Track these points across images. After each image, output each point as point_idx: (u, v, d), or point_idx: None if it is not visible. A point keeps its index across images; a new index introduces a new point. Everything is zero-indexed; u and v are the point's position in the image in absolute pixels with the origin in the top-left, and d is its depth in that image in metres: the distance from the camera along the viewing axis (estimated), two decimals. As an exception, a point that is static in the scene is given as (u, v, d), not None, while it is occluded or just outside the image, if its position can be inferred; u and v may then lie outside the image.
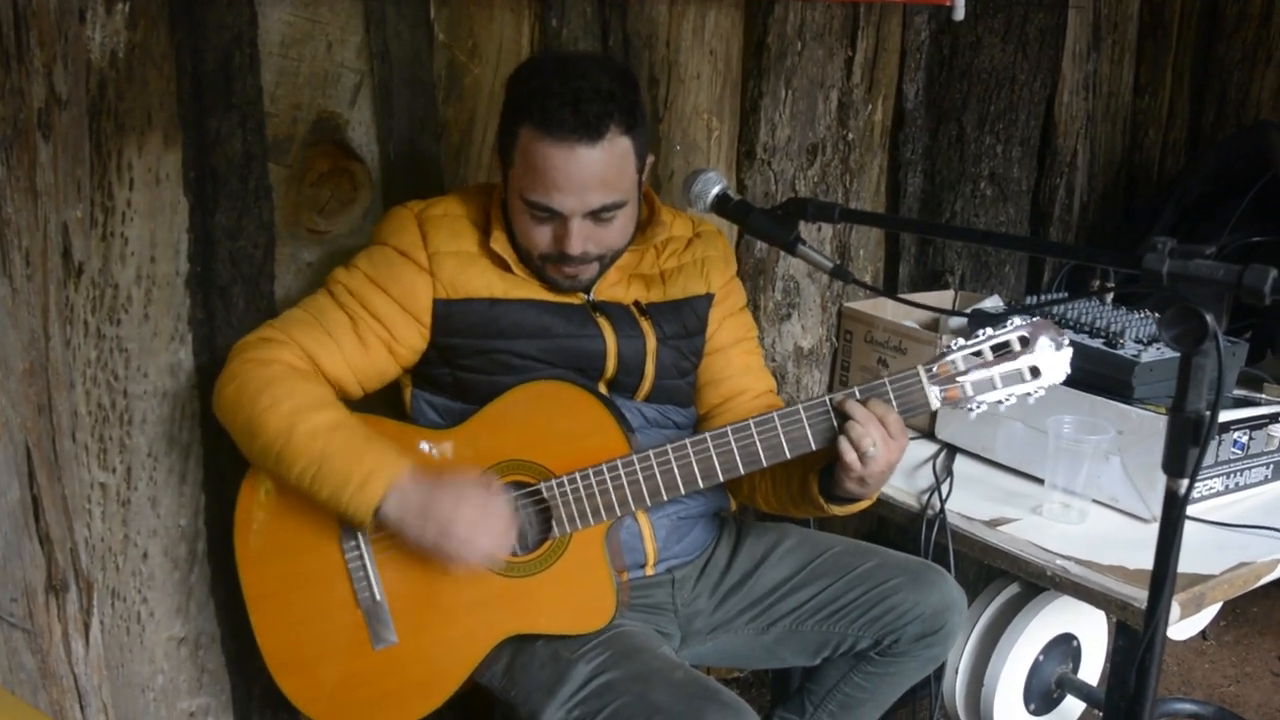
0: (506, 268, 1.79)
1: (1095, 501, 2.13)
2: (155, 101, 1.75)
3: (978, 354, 1.68)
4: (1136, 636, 1.81)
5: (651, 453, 1.70)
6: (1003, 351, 1.67)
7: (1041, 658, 2.40)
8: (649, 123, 1.84)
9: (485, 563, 1.67)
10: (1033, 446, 2.21)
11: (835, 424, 1.68)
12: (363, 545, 1.72)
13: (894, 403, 1.68)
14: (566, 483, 1.71)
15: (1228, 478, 2.15)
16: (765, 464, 1.71)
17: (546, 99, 1.64)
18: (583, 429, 1.73)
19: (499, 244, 1.77)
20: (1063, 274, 2.96)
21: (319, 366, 1.73)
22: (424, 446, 1.76)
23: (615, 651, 1.70)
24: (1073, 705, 2.52)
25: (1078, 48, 3.14)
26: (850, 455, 1.64)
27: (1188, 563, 1.87)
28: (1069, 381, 1.70)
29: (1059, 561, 1.93)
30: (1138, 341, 2.20)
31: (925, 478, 2.27)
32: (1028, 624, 2.34)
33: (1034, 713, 2.44)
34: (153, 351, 1.85)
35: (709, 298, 1.94)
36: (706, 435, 1.70)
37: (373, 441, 1.65)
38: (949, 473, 2.29)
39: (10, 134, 1.63)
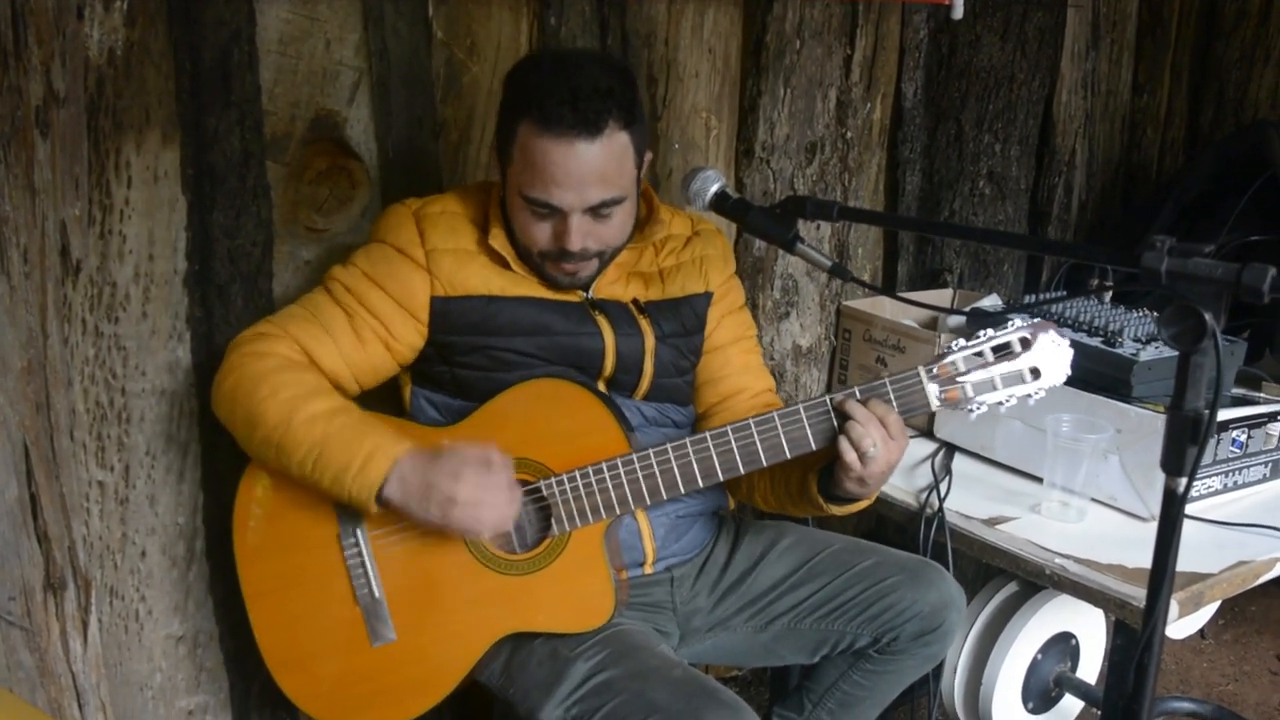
0: (505, 265, 1.79)
1: (1094, 500, 2.13)
2: (153, 99, 1.75)
3: (978, 354, 1.68)
4: (1135, 635, 1.81)
5: (651, 452, 1.70)
6: (1003, 352, 1.67)
7: (1040, 656, 2.40)
8: (647, 121, 1.83)
9: (492, 533, 1.67)
10: (1031, 445, 2.21)
11: (835, 424, 1.68)
12: (362, 542, 1.72)
13: (894, 403, 1.68)
14: (566, 481, 1.71)
15: (1226, 476, 2.15)
16: (765, 463, 1.70)
17: (545, 95, 1.64)
18: (582, 427, 1.73)
19: (497, 241, 1.77)
20: (1061, 272, 2.95)
21: (316, 362, 1.73)
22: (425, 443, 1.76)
23: (614, 650, 1.70)
24: (1071, 704, 2.52)
25: (1076, 46, 3.14)
26: (850, 455, 1.64)
27: (1186, 561, 1.87)
28: (1068, 380, 1.70)
29: (1057, 560, 1.93)
30: (1136, 340, 2.20)
31: (924, 476, 2.27)
32: (1026, 622, 2.34)
33: (1032, 711, 2.44)
34: (151, 350, 1.85)
35: (708, 296, 1.94)
36: (706, 434, 1.70)
37: (372, 425, 1.65)
38: (948, 471, 2.29)
39: (8, 132, 1.63)
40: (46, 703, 1.83)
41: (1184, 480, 1.31)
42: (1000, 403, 1.69)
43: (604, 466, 1.70)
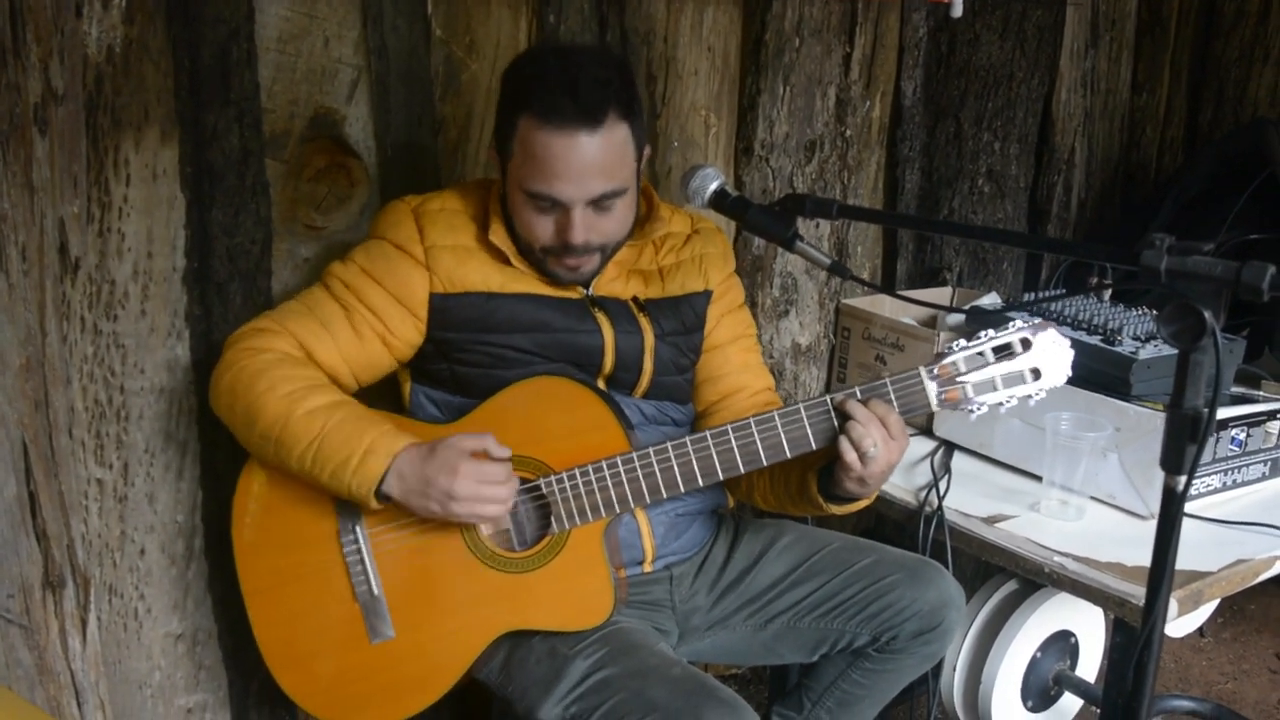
0: (504, 261, 1.78)
1: (1093, 498, 2.13)
2: (152, 97, 1.75)
3: (979, 355, 1.68)
4: (1134, 633, 1.81)
5: (651, 450, 1.70)
6: (1004, 353, 1.67)
7: (1039, 654, 2.41)
8: (646, 119, 1.83)
9: (492, 525, 1.68)
10: (1031, 443, 2.21)
11: (836, 424, 1.68)
12: (361, 539, 1.71)
13: (895, 403, 1.68)
14: (566, 479, 1.71)
15: (1225, 475, 2.15)
16: (765, 463, 1.70)
17: (545, 88, 1.64)
18: (582, 425, 1.73)
19: (497, 236, 1.77)
20: (1060, 271, 2.95)
21: (313, 357, 1.73)
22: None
23: (613, 648, 1.70)
24: (1070, 702, 2.52)
25: (1076, 45, 3.14)
26: (850, 455, 1.64)
27: (1185, 560, 1.87)
28: (1067, 379, 1.70)
29: (1057, 558, 1.93)
30: (1135, 338, 2.20)
31: (923, 474, 2.27)
32: (1025, 621, 2.35)
33: (1031, 709, 2.44)
34: (150, 347, 1.85)
35: (707, 294, 1.94)
36: (707, 433, 1.70)
37: (371, 419, 1.65)
38: (947, 469, 2.29)
39: (7, 129, 1.63)
40: (45, 701, 1.83)
41: (1183, 478, 1.31)
42: (1001, 403, 1.69)
43: (604, 465, 1.70)
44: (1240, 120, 3.40)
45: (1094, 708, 2.52)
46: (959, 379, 1.68)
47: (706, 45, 2.37)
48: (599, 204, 1.70)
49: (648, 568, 1.87)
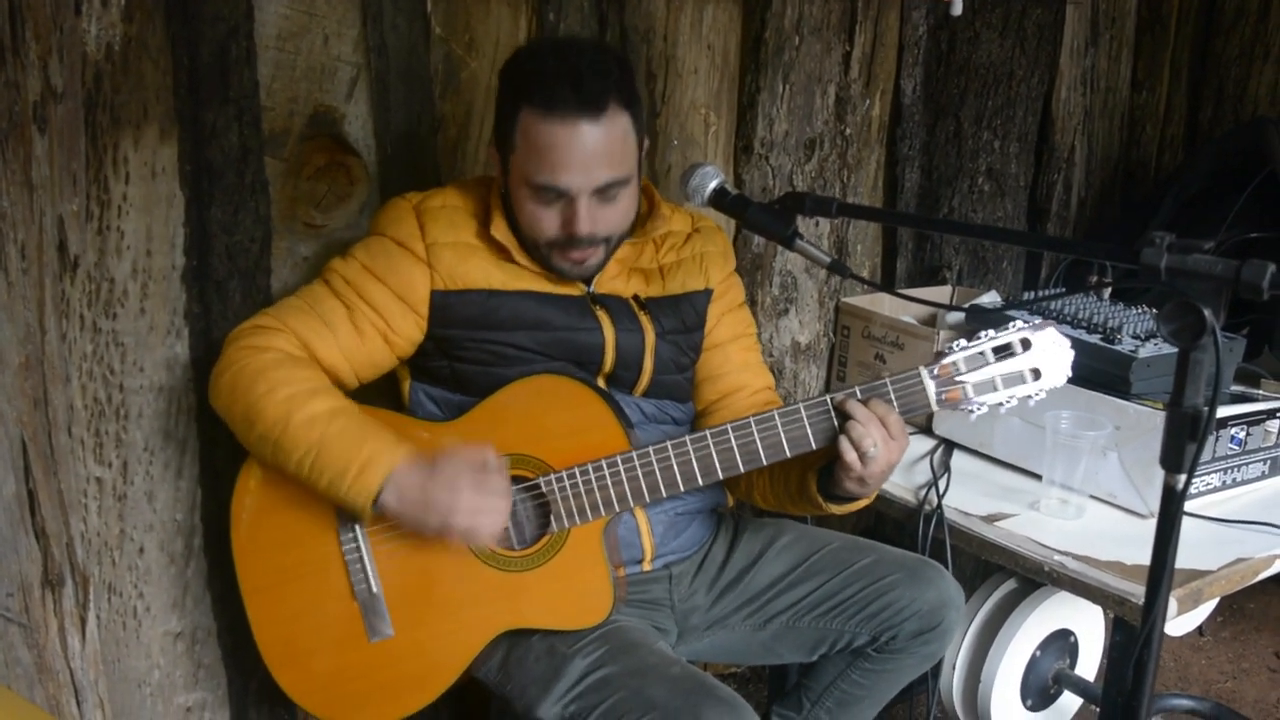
0: (506, 259, 1.78)
1: (1093, 497, 2.13)
2: (151, 95, 1.75)
3: (979, 355, 1.68)
4: (1134, 632, 1.81)
5: (651, 449, 1.70)
6: (1004, 353, 1.67)
7: (1038, 653, 2.40)
8: (646, 116, 1.83)
9: (488, 541, 1.67)
10: (1030, 442, 2.21)
11: (836, 423, 1.68)
12: (360, 537, 1.71)
13: (895, 403, 1.68)
14: (565, 478, 1.71)
15: (1225, 473, 2.15)
16: (765, 462, 1.70)
17: (546, 79, 1.64)
18: (582, 424, 1.73)
19: (499, 231, 1.76)
20: (1060, 269, 2.95)
21: (314, 355, 1.72)
22: (425, 437, 1.75)
23: (612, 647, 1.70)
24: (1070, 701, 2.52)
25: (1075, 43, 3.14)
26: (850, 455, 1.64)
27: (1185, 558, 1.87)
28: (1067, 378, 1.70)
29: (1056, 557, 1.93)
30: (1135, 337, 2.20)
31: (923, 473, 2.27)
32: (1025, 620, 2.35)
33: (1031, 708, 2.44)
34: (149, 346, 1.85)
35: (708, 293, 1.94)
36: (706, 433, 1.70)
37: (371, 428, 1.64)
38: (946, 468, 2.29)
39: (5, 127, 1.63)
40: (44, 699, 1.83)
41: (1183, 477, 1.31)
42: (1001, 403, 1.69)
43: (603, 464, 1.70)
44: (1240, 118, 3.40)
45: (1093, 706, 2.53)
46: (959, 379, 1.68)
47: (706, 43, 2.37)
48: (603, 193, 1.70)
49: (647, 566, 1.87)
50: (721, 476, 1.71)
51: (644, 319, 1.85)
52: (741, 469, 1.70)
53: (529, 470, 1.72)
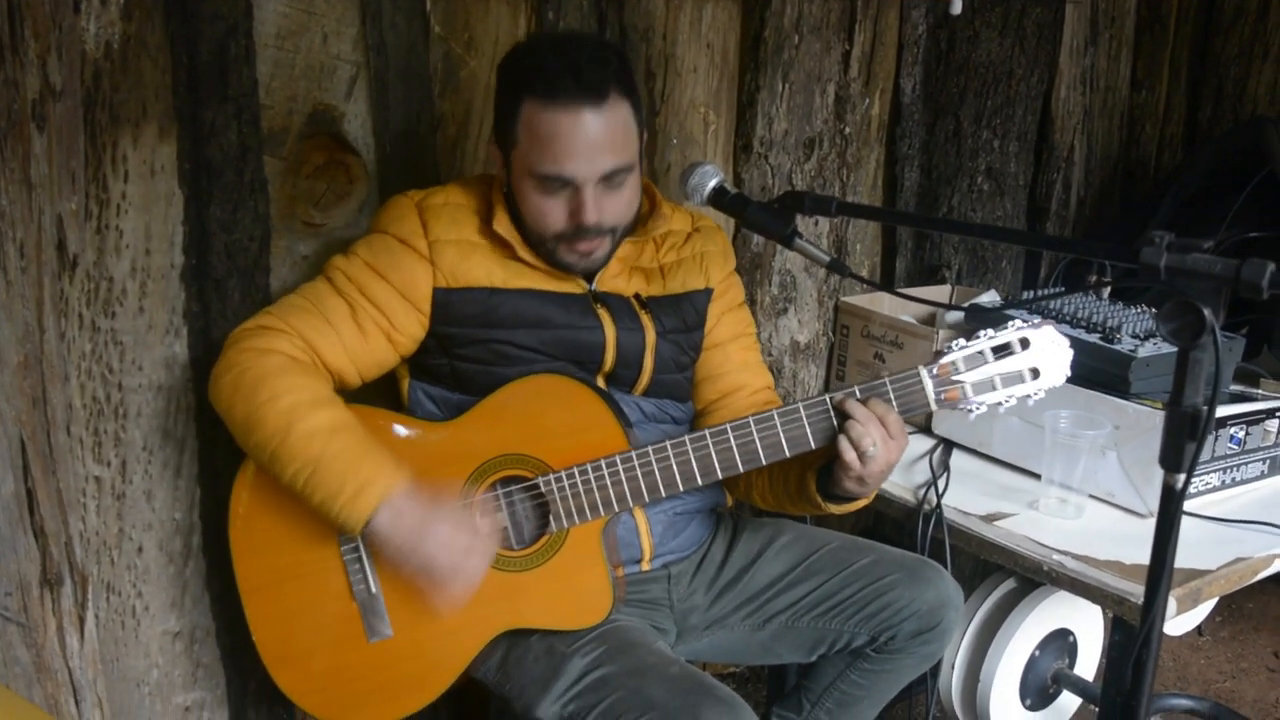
0: (508, 256, 1.77)
1: (1092, 497, 2.13)
2: (150, 93, 1.75)
3: (978, 354, 1.68)
4: (1133, 631, 1.81)
5: (651, 449, 1.70)
6: (1003, 352, 1.67)
7: (1037, 653, 2.40)
8: (645, 115, 1.83)
9: (468, 584, 1.66)
10: (1029, 441, 2.21)
11: (835, 423, 1.68)
12: (359, 538, 1.71)
13: (894, 402, 1.68)
14: (565, 478, 1.70)
15: (1224, 473, 2.15)
16: (764, 462, 1.70)
17: (546, 70, 1.65)
18: (581, 424, 1.73)
19: (502, 226, 1.76)
20: (1060, 269, 2.95)
21: (318, 355, 1.71)
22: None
23: (610, 646, 1.70)
24: (1068, 701, 2.52)
25: (1075, 42, 3.14)
26: (850, 454, 1.64)
27: (1184, 558, 1.87)
28: (1067, 378, 1.70)
29: (1055, 556, 1.93)
30: (1134, 336, 2.20)
31: (922, 473, 2.27)
32: (1024, 619, 2.35)
33: (1030, 708, 2.44)
34: (147, 345, 1.85)
35: (708, 293, 1.94)
36: (706, 432, 1.70)
37: (371, 450, 1.63)
38: (946, 468, 2.29)
39: (4, 126, 1.62)
40: (43, 699, 1.83)
41: (1182, 476, 1.31)
42: (1000, 403, 1.69)
43: (603, 464, 1.70)
44: (1240, 118, 3.40)
45: (1092, 706, 2.53)
46: (958, 378, 1.68)
47: (705, 42, 2.37)
48: (608, 181, 1.69)
49: (646, 566, 1.87)
50: (720, 476, 1.71)
51: (645, 318, 1.84)
52: (740, 469, 1.70)
53: (528, 470, 1.72)
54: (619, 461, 1.70)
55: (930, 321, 2.60)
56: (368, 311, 1.73)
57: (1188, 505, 1.85)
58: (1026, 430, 2.23)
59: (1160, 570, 1.35)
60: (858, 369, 2.66)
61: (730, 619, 1.94)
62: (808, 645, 1.94)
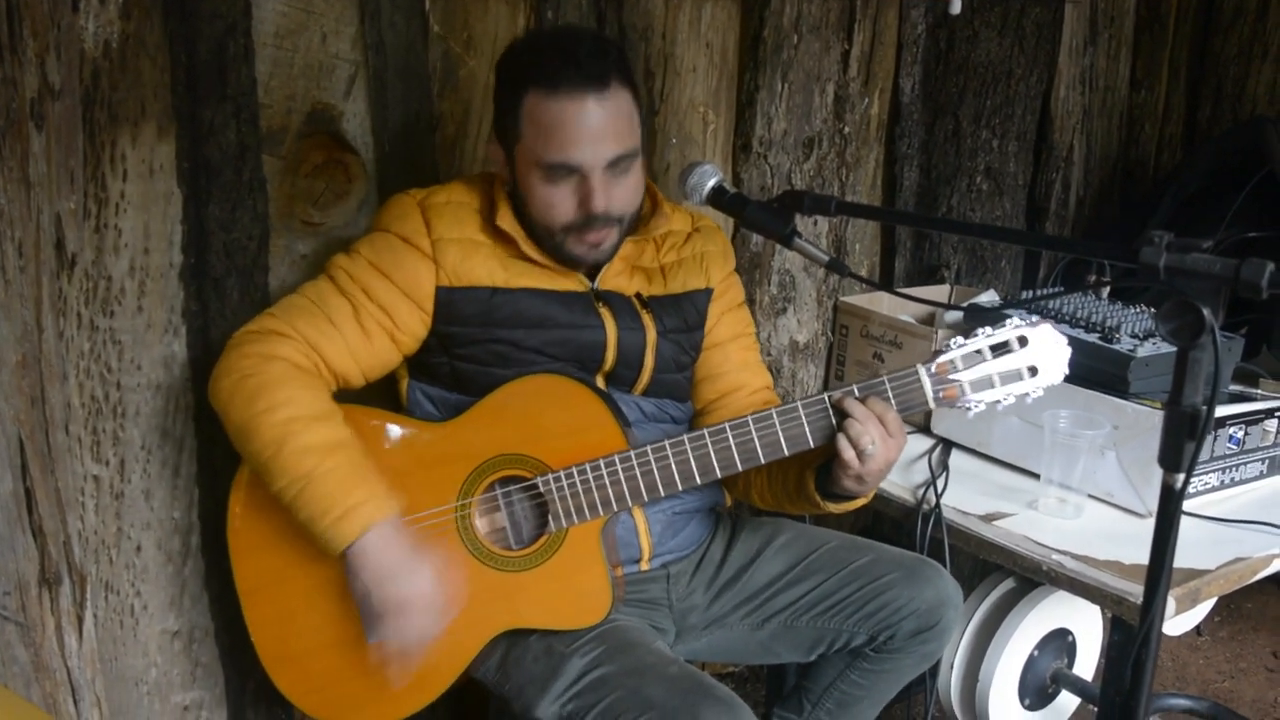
0: (511, 254, 1.77)
1: (1091, 496, 2.13)
2: (149, 92, 1.74)
3: (976, 352, 1.68)
4: (1132, 631, 1.80)
5: (649, 449, 1.70)
6: (1001, 350, 1.67)
7: (1036, 653, 2.40)
8: (645, 115, 1.83)
9: (416, 639, 1.65)
10: (1028, 441, 2.21)
11: (834, 422, 1.68)
12: (357, 538, 1.71)
13: (892, 401, 1.68)
14: (564, 477, 1.70)
15: (1223, 473, 2.15)
16: (763, 461, 1.70)
17: (547, 62, 1.66)
18: (580, 424, 1.73)
19: (505, 221, 1.76)
20: (1059, 268, 2.96)
21: (322, 357, 1.70)
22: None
23: (610, 646, 1.70)
24: (1067, 700, 2.52)
25: (1074, 42, 3.14)
26: (849, 453, 1.64)
27: (1183, 558, 1.87)
28: (1065, 376, 1.69)
29: (1054, 556, 1.93)
30: (1134, 336, 2.20)
31: (921, 472, 2.27)
32: (1023, 619, 2.34)
33: (1029, 708, 2.44)
34: (146, 344, 1.85)
35: (708, 292, 1.94)
36: (704, 431, 1.70)
37: (363, 474, 1.62)
38: (944, 467, 2.28)
39: (3, 125, 1.62)
40: (41, 698, 1.83)
41: (1181, 476, 1.30)
42: (998, 401, 1.69)
43: (601, 463, 1.70)
44: (1239, 117, 3.41)
45: (1091, 706, 2.53)
46: (956, 376, 1.68)
47: (705, 41, 2.37)
48: (615, 168, 1.70)
49: (645, 566, 1.87)
50: (720, 475, 1.71)
51: (646, 317, 1.84)
52: (739, 468, 1.70)
53: (527, 470, 1.72)
54: (618, 461, 1.70)
55: (929, 321, 2.60)
56: (371, 312, 1.73)
57: (1187, 505, 1.85)
58: (1026, 430, 2.23)
59: (1159, 570, 1.35)
60: (857, 369, 2.66)
61: (729, 618, 1.94)
62: (807, 645, 1.94)
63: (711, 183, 1.82)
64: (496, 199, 1.78)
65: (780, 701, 2.13)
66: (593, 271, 1.83)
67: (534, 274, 1.78)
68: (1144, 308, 2.35)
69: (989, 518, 2.09)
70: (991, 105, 2.89)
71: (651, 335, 1.84)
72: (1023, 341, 1.67)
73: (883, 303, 2.69)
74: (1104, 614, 2.51)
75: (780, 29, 2.41)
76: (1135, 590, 1.80)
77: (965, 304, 2.47)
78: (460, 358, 1.77)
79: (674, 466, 1.70)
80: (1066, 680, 2.46)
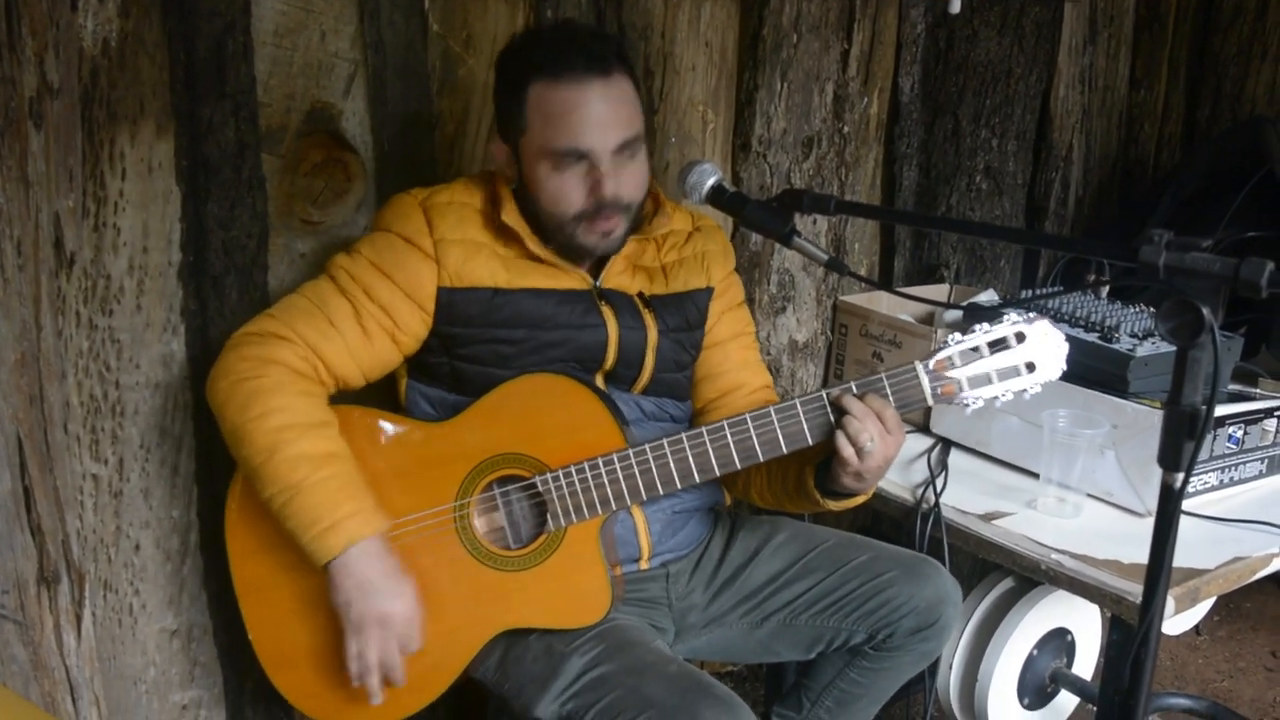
0: (513, 255, 1.77)
1: (1090, 496, 2.13)
2: (148, 90, 1.74)
3: (974, 349, 1.67)
4: (1131, 631, 1.80)
5: (648, 447, 1.70)
6: (999, 346, 1.67)
7: (1035, 652, 2.40)
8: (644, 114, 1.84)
9: (397, 653, 1.66)
10: (1028, 440, 2.21)
11: (832, 419, 1.68)
12: (356, 538, 1.71)
13: (891, 398, 1.68)
14: (562, 476, 1.70)
15: (1222, 472, 2.15)
16: (761, 459, 1.70)
17: (551, 51, 1.68)
18: (578, 423, 1.72)
19: (510, 217, 1.76)
20: (1058, 268, 2.96)
21: (322, 359, 1.70)
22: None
23: (609, 645, 1.70)
24: (1066, 700, 2.52)
25: (1074, 41, 3.14)
26: (847, 450, 1.64)
27: (1182, 557, 1.86)
28: (1064, 375, 1.69)
29: (1054, 555, 1.93)
30: (1133, 335, 2.20)
31: (920, 472, 2.27)
32: (1022, 618, 2.34)
33: (1028, 707, 2.44)
34: (145, 342, 1.84)
35: (709, 291, 1.94)
36: (703, 430, 1.69)
37: (353, 489, 1.63)
38: (944, 466, 2.28)
39: (2, 123, 1.62)
40: (40, 697, 1.82)
41: (1180, 476, 1.30)
42: (996, 397, 1.68)
43: (600, 462, 1.70)
44: (1238, 117, 3.41)
45: (1090, 705, 2.53)
46: (954, 373, 1.68)
47: (704, 40, 2.37)
48: (623, 153, 1.71)
49: (644, 565, 1.87)
50: (718, 473, 1.71)
51: (648, 316, 1.84)
52: (738, 465, 1.70)
53: (525, 469, 1.72)
54: (616, 460, 1.69)
55: (929, 320, 2.60)
56: (372, 313, 1.72)
57: (1186, 504, 1.85)
58: (1025, 429, 2.23)
59: (1158, 569, 1.35)
60: (856, 368, 2.65)
61: (728, 617, 1.94)
62: (806, 643, 1.94)
63: (711, 182, 1.82)
64: (500, 196, 1.78)
65: (779, 700, 2.12)
66: (596, 270, 1.83)
67: (537, 273, 1.78)
68: (1143, 307, 2.35)
69: (988, 517, 2.09)
70: (991, 104, 2.89)
71: (653, 335, 1.84)
72: (1020, 337, 1.67)
73: (882, 302, 2.69)
74: (1103, 613, 2.51)
75: (779, 28, 2.41)
76: (1134, 589, 1.80)
77: (964, 303, 2.47)
78: (461, 358, 1.77)
79: (672, 465, 1.70)
80: (1065, 679, 2.46)
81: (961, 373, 1.67)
